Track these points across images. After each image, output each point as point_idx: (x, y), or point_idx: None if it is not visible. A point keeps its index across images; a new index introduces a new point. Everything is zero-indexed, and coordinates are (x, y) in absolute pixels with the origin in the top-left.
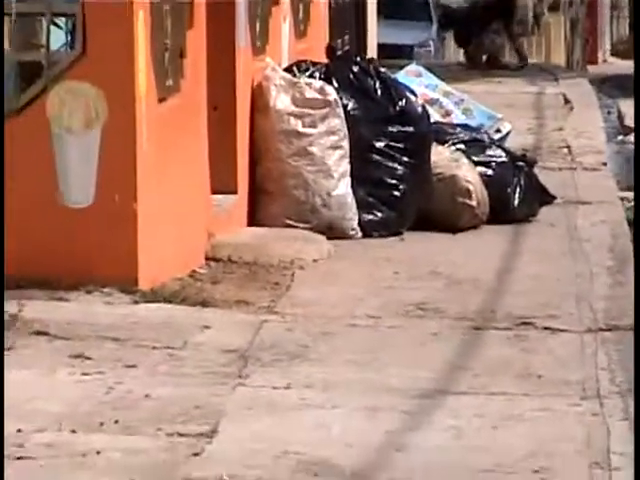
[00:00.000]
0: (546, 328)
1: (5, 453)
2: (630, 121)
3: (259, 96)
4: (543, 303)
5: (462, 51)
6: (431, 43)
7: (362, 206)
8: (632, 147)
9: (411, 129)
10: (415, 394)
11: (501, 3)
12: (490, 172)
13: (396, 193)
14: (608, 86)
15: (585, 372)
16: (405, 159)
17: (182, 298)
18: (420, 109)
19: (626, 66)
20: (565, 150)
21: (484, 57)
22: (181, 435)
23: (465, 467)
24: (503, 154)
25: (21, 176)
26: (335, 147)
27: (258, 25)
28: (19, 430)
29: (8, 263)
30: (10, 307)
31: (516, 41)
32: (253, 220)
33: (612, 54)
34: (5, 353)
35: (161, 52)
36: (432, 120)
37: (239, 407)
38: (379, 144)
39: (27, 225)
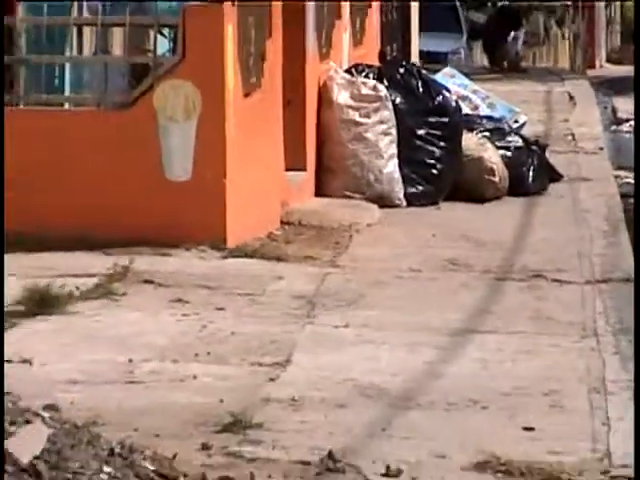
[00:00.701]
0: (554, 280)
1: (116, 378)
2: (621, 114)
3: (324, 92)
4: (552, 260)
5: (486, 57)
6: (462, 51)
7: (406, 181)
8: (623, 135)
9: (446, 119)
10: (448, 332)
11: (512, 18)
12: (509, 154)
13: (434, 171)
14: (604, 86)
15: (585, 315)
16: (441, 144)
17: (261, 254)
18: (454, 103)
19: (618, 71)
20: (570, 137)
21: (505, 62)
22: (260, 365)
23: (490, 390)
24: (520, 140)
25: (132, 157)
26: (385, 133)
27: (324, 35)
28: (130, 360)
29: (121, 227)
30: (123, 261)
31: (521, 52)
32: (318, 192)
33: (607, 61)
34: (118, 298)
35: (246, 56)
36: (463, 112)
37: (307, 342)
38: (420, 131)
39: (138, 196)
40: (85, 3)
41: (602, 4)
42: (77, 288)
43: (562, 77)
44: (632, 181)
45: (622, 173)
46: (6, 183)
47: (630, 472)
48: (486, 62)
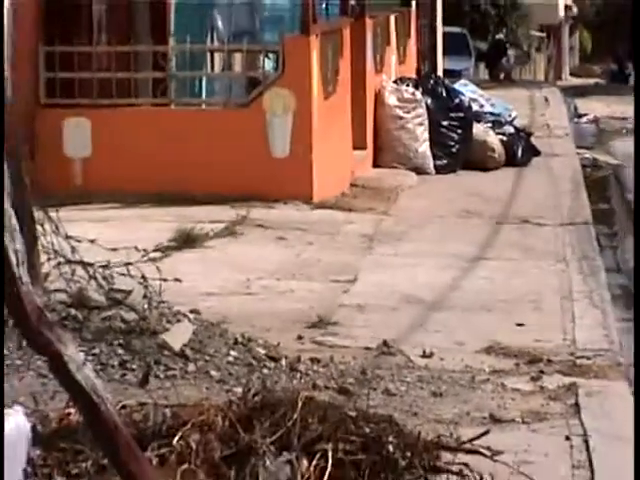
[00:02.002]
0: (536, 223)
1: (238, 291)
2: (580, 110)
3: (378, 96)
4: (534, 209)
5: (487, 72)
6: (470, 68)
7: (434, 157)
8: (582, 125)
9: (462, 114)
10: (465, 259)
11: (504, 47)
12: (505, 138)
13: (453, 150)
14: (568, 92)
15: (557, 247)
16: (458, 131)
17: (337, 206)
18: (467, 104)
19: (577, 81)
20: (545, 126)
21: (501, 76)
22: (337, 281)
23: (493, 299)
24: (512, 129)
25: (249, 141)
26: (420, 124)
27: (378, 57)
28: (247, 279)
29: (241, 189)
30: (243, 212)
31: (512, 69)
32: (375, 164)
33: (570, 75)
34: (239, 237)
35: (325, 71)
36: (473, 110)
37: (369, 266)
38: (444, 123)
39: (253, 168)
40: (215, 36)
41: (566, 36)
42: (211, 230)
43: (540, 86)
44: (588, 156)
45: (581, 151)
46: (165, 158)
47: (589, 354)
48: (487, 76)
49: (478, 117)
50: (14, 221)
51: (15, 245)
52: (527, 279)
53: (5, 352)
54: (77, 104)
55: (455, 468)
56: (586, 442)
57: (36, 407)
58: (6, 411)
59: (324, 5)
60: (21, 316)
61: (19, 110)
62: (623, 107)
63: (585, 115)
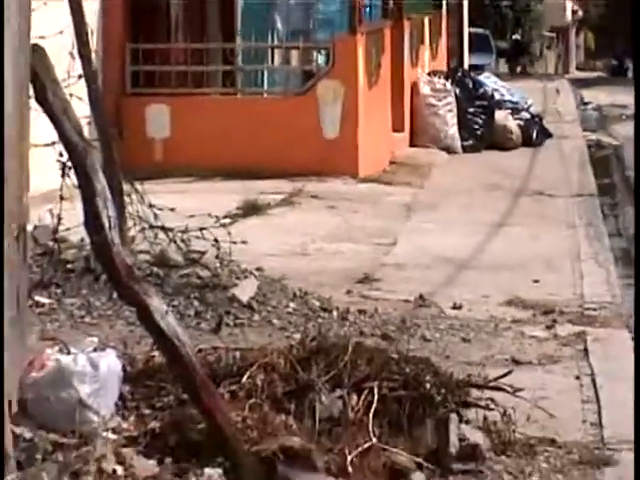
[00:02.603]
0: (549, 195)
1: (296, 252)
2: (586, 99)
3: (414, 87)
4: (547, 183)
5: (507, 67)
6: (492, 63)
7: (462, 138)
8: (587, 111)
9: (485, 102)
10: (489, 224)
11: (519, 46)
12: (522, 123)
13: (478, 132)
14: (575, 84)
15: (567, 216)
16: (482, 117)
17: (379, 180)
18: (490, 93)
19: (582, 75)
20: (556, 113)
21: (519, 69)
22: (379, 244)
23: (513, 259)
24: (528, 115)
25: (304, 124)
26: (450, 111)
27: (414, 53)
28: (303, 242)
29: (299, 165)
30: (299, 184)
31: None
32: (411, 144)
33: (576, 69)
34: (296, 206)
35: (369, 65)
36: (495, 98)
37: (406, 231)
38: (470, 110)
39: (308, 147)
40: (275, 34)
41: (573, 36)
42: (272, 200)
43: (551, 78)
44: (593, 137)
45: (587, 134)
46: (232, 139)
47: (595, 306)
48: (506, 70)
49: (499, 105)
50: (107, 192)
51: (108, 212)
52: (542, 243)
53: (98, 304)
54: (158, 93)
55: (482, 403)
56: (593, 381)
57: (125, 350)
58: (100, 353)
59: (368, 9)
60: (113, 273)
61: (109, 99)
62: (622, 97)
63: (590, 103)
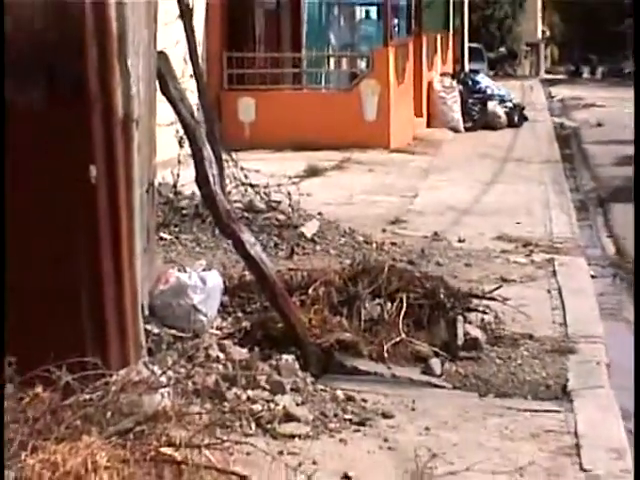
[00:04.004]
0: (527, 161)
1: (345, 202)
2: (553, 94)
3: (430, 85)
4: (525, 153)
5: (495, 71)
6: (485, 68)
7: (464, 121)
8: (553, 103)
9: (481, 96)
10: (484, 183)
11: (505, 56)
12: (507, 110)
13: (475, 117)
14: (545, 83)
15: (540, 175)
16: (479, 106)
17: (405, 151)
18: (484, 89)
19: (550, 77)
20: (531, 103)
21: (502, 73)
22: (405, 197)
23: (502, 207)
24: (511, 104)
25: (351, 111)
26: (455, 102)
27: (430, 60)
28: (351, 195)
29: (348, 141)
30: (347, 154)
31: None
32: (428, 126)
33: (545, 72)
34: (345, 170)
35: (398, 69)
36: (487, 93)
37: (425, 187)
38: (470, 101)
39: (353, 127)
40: (330, 46)
41: (542, 49)
42: (328, 165)
43: (527, 79)
44: (557, 121)
45: (553, 118)
46: (300, 122)
47: (561, 240)
48: (494, 73)
49: (490, 97)
50: (212, 157)
51: (212, 172)
52: (521, 195)
53: (204, 238)
54: (246, 89)
55: (480, 308)
56: (560, 293)
57: (225, 271)
58: (207, 272)
59: (397, 28)
60: (216, 215)
61: (211, 93)
62: (579, 92)
63: (556, 96)
